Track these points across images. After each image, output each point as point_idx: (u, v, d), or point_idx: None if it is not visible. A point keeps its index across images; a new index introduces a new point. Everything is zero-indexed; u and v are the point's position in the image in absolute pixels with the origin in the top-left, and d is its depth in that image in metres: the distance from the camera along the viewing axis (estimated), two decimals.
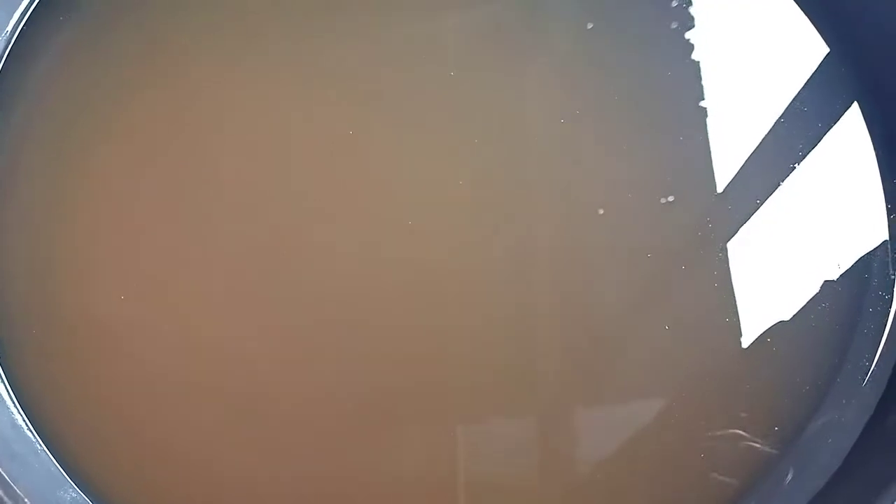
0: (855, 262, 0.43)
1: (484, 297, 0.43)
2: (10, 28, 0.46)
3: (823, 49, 0.44)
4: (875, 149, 0.43)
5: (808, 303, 0.43)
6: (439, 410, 0.42)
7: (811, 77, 0.44)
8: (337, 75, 0.44)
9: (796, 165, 0.43)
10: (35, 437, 0.43)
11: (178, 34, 0.45)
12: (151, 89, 0.44)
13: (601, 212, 0.43)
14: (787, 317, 0.42)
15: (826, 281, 0.43)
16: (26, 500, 0.41)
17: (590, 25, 0.44)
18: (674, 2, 0.43)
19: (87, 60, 0.45)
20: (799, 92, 0.44)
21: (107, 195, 0.44)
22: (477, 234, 0.43)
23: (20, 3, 0.46)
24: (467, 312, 0.43)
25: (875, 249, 0.43)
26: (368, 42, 0.45)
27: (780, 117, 0.43)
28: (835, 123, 0.43)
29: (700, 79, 0.43)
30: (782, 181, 0.43)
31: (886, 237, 0.43)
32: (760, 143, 0.43)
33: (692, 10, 0.43)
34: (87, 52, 0.45)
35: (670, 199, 0.42)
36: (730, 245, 0.43)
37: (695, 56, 0.43)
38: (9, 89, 0.45)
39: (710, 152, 0.43)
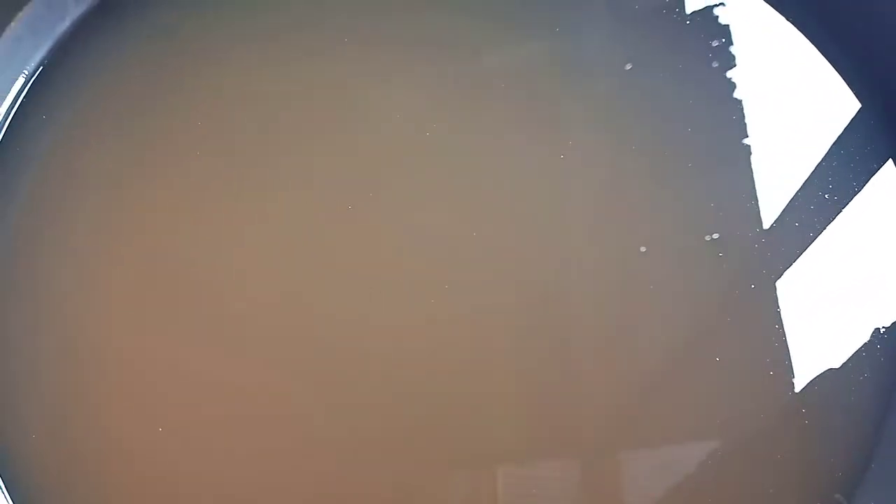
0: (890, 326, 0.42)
1: (525, 342, 0.42)
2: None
3: (856, 104, 0.45)
4: None
5: (847, 363, 0.41)
6: (484, 457, 0.41)
7: (847, 127, 0.44)
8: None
9: (838, 208, 0.43)
10: None
11: (166, 129, 0.45)
12: (145, 187, 0.44)
13: (643, 249, 0.42)
14: (821, 372, 0.41)
15: (862, 342, 0.42)
16: None
17: (628, 66, 0.44)
18: (714, 41, 0.44)
19: (72, 157, 0.45)
20: (838, 138, 0.44)
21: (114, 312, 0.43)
22: (518, 277, 0.42)
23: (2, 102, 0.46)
24: (509, 359, 0.42)
25: None
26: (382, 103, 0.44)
27: (821, 158, 0.43)
28: (873, 174, 0.44)
29: (742, 116, 0.43)
30: (825, 220, 0.43)
31: None
32: (804, 182, 0.43)
33: (733, 49, 0.44)
34: (72, 150, 0.45)
35: (715, 236, 0.42)
36: (777, 284, 0.42)
37: (736, 94, 0.44)
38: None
39: (754, 190, 0.43)
